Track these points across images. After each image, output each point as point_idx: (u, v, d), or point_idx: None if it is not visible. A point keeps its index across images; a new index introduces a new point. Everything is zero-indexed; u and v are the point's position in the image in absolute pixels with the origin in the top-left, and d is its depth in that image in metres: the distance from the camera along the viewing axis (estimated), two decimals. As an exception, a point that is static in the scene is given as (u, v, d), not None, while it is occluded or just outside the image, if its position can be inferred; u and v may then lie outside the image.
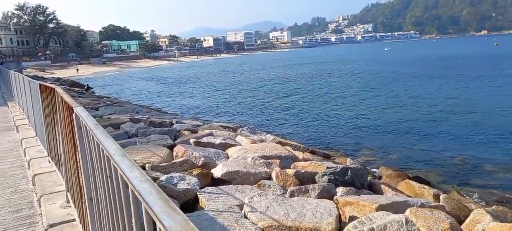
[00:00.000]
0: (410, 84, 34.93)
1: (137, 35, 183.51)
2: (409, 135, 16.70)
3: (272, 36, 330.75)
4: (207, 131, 13.70)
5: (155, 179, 7.10)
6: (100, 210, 2.42)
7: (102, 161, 1.93)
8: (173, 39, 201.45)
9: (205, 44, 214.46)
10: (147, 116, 17.90)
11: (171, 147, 10.25)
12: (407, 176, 10.47)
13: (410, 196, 8.02)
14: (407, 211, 5.88)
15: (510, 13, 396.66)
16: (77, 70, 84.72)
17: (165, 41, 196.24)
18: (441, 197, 7.84)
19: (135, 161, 8.10)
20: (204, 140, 11.41)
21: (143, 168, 8.46)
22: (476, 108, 21.46)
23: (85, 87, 43.39)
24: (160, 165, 8.56)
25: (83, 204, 3.34)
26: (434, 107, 22.67)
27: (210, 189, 6.88)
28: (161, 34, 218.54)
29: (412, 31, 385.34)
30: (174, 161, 8.84)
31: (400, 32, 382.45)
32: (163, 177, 6.94)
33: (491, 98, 24.39)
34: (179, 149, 9.60)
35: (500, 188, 10.06)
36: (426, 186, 8.86)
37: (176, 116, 22.44)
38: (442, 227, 5.09)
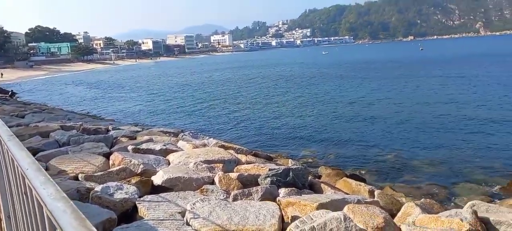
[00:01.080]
0: (345, 86, 36.71)
1: (68, 37, 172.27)
2: (346, 134, 17.50)
3: (214, 40, 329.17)
4: (146, 137, 13.20)
5: (89, 190, 6.65)
6: (18, 229, 2.17)
7: (17, 176, 1.72)
8: (109, 42, 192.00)
9: (143, 47, 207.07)
10: (80, 122, 16.85)
11: (107, 155, 9.72)
12: (345, 174, 10.95)
13: (347, 193, 8.38)
14: (345, 208, 6.10)
15: (433, 20, 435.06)
16: (1, 74, 77.19)
17: (99, 44, 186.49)
18: (375, 193, 8.29)
19: (66, 171, 7.56)
20: (143, 146, 10.97)
21: (76, 178, 7.91)
22: (405, 108, 23.12)
23: (9, 93, 39.76)
24: (95, 174, 8.06)
25: (1, 223, 3.02)
26: (368, 108, 24.04)
27: (150, 197, 6.61)
28: (95, 36, 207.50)
29: (347, 36, 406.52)
30: (111, 169, 8.38)
31: (336, 37, 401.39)
32: (98, 187, 6.52)
33: (418, 98, 26.40)
34: (115, 157, 9.13)
35: (427, 182, 10.90)
36: (362, 183, 9.32)
37: (112, 122, 21.36)
38: (377, 222, 5.35)
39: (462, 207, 7.10)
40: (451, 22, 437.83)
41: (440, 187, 10.36)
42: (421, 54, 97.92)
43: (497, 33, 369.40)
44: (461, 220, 5.31)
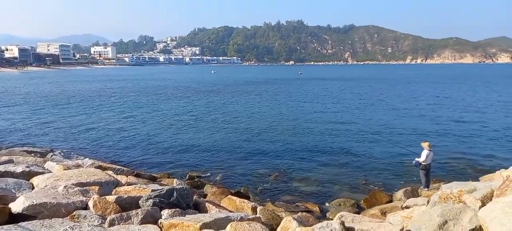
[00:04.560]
0: (233, 105, 37.67)
1: None
2: (233, 152, 17.89)
3: (94, 51, 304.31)
4: (5, 158, 11.41)
5: None
6: None
7: None
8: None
9: (7, 55, 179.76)
10: None
11: None
12: (230, 192, 11.12)
13: (232, 211, 8.48)
14: (228, 227, 6.16)
15: (310, 48, 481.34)
16: None
17: None
18: (258, 209, 8.58)
19: None
20: (0, 168, 9.45)
21: None
22: (287, 127, 24.78)
23: None
24: None
25: None
26: (254, 125, 25.03)
27: (6, 227, 5.68)
28: None
29: (235, 57, 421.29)
30: (-48, 198, 6.95)
31: (225, 57, 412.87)
32: None
33: (298, 117, 28.59)
34: (-40, 182, 7.62)
35: (303, 198, 11.81)
36: (245, 200, 9.58)
37: (-39, 140, 17.92)
38: (258, 238, 5.50)
39: (332, 219, 7.84)
40: (325, 51, 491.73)
41: (315, 202, 11.32)
42: (301, 77, 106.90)
43: (361, 63, 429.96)
44: (331, 230, 5.83)
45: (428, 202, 8.79)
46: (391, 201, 11.18)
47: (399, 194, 11.42)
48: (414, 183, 12.60)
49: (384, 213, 9.49)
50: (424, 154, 11.43)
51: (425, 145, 11.61)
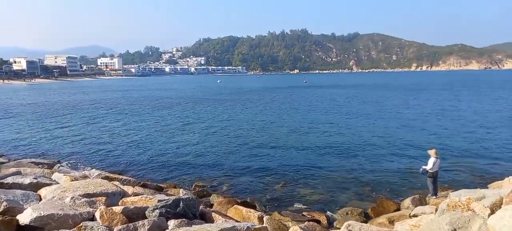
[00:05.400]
0: (239, 114, 37.70)
1: None
2: (239, 161, 17.88)
3: (101, 62, 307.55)
4: (13, 169, 11.51)
5: None
6: None
7: None
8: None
9: (15, 67, 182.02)
10: None
11: (-42, 193, 8.13)
12: (236, 202, 11.09)
13: (238, 221, 8.45)
14: (235, 237, 6.13)
15: (315, 57, 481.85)
16: None
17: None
18: (264, 219, 8.55)
19: None
20: (9, 180, 9.53)
21: None
22: (293, 135, 24.73)
23: None
24: None
25: None
26: (259, 133, 24.98)
27: (13, 240, 5.68)
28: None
29: (240, 67, 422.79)
30: (-39, 210, 7.01)
31: (230, 67, 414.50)
32: None
33: (304, 126, 28.53)
34: (-31, 194, 7.69)
35: (310, 207, 11.74)
36: (252, 210, 9.54)
37: (-31, 153, 18.12)
38: (265, 248, 5.46)
39: (340, 228, 7.77)
40: (330, 59, 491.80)
41: (322, 211, 11.24)
42: (306, 86, 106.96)
43: (366, 70, 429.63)
44: (339, 239, 5.78)
45: (436, 210, 8.70)
46: (398, 209, 11.08)
47: (407, 202, 11.31)
48: (422, 191, 12.47)
49: (392, 222, 9.39)
50: (431, 161, 11.34)
51: (432, 152, 11.53)
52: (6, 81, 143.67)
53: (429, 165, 11.36)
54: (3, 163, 13.62)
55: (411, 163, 15.81)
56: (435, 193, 11.53)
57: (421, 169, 11.72)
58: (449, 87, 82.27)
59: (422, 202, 11.23)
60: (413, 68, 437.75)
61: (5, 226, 6.58)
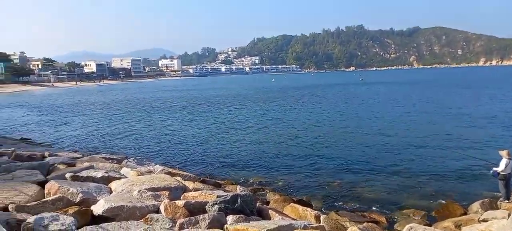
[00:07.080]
0: (294, 111, 37.60)
1: (2, 57, 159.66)
2: (294, 160, 17.85)
3: (162, 64, 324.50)
4: (87, 164, 12.53)
5: (21, 221, 6.12)
6: None
7: None
8: (48, 63, 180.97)
9: (86, 70, 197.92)
10: (12, 148, 15.58)
11: (42, 184, 9.07)
12: (292, 200, 11.12)
13: (295, 219, 8.48)
14: (292, 234, 6.17)
15: (372, 53, 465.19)
16: None
17: (37, 65, 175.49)
18: (321, 218, 8.48)
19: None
20: (83, 173, 10.39)
21: (5, 209, 7.26)
22: (349, 132, 24.13)
23: None
24: (28, 204, 7.47)
25: None
26: (313, 133, 24.71)
27: (89, 228, 6.22)
28: (33, 57, 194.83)
29: (294, 65, 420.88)
30: (46, 199, 7.81)
31: (284, 66, 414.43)
32: (31, 219, 6.03)
33: (361, 122, 27.74)
34: (51, 186, 8.54)
35: (370, 207, 11.39)
36: (308, 209, 9.51)
37: (49, 148, 20.03)
38: (323, 246, 5.45)
39: None
40: (388, 55, 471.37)
41: (382, 212, 10.86)
42: (364, 84, 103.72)
43: (428, 66, 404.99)
44: (400, 241, 5.59)
45: (509, 215, 8.05)
46: (466, 213, 10.39)
47: (476, 206, 10.56)
48: (491, 194, 11.57)
49: (458, 226, 8.85)
50: (503, 163, 10.48)
51: (503, 153, 10.65)
52: (78, 83, 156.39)
53: (501, 167, 10.50)
54: (78, 157, 14.90)
55: (478, 165, 14.70)
56: (507, 197, 10.64)
57: (491, 171, 10.88)
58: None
59: (492, 206, 10.42)
60: (481, 63, 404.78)
61: (81, 215, 7.17)
